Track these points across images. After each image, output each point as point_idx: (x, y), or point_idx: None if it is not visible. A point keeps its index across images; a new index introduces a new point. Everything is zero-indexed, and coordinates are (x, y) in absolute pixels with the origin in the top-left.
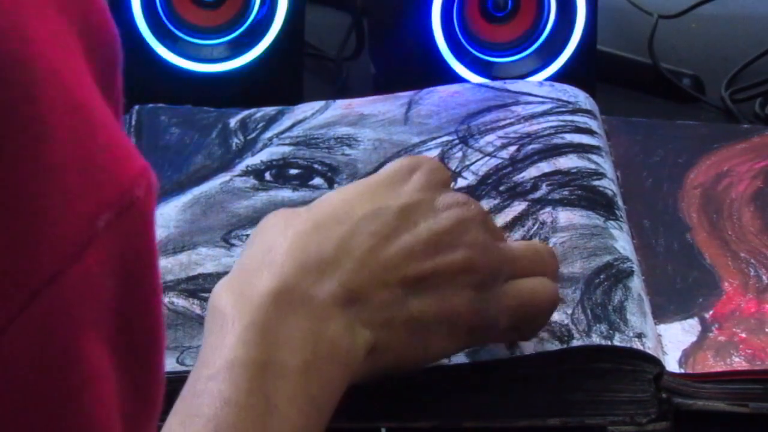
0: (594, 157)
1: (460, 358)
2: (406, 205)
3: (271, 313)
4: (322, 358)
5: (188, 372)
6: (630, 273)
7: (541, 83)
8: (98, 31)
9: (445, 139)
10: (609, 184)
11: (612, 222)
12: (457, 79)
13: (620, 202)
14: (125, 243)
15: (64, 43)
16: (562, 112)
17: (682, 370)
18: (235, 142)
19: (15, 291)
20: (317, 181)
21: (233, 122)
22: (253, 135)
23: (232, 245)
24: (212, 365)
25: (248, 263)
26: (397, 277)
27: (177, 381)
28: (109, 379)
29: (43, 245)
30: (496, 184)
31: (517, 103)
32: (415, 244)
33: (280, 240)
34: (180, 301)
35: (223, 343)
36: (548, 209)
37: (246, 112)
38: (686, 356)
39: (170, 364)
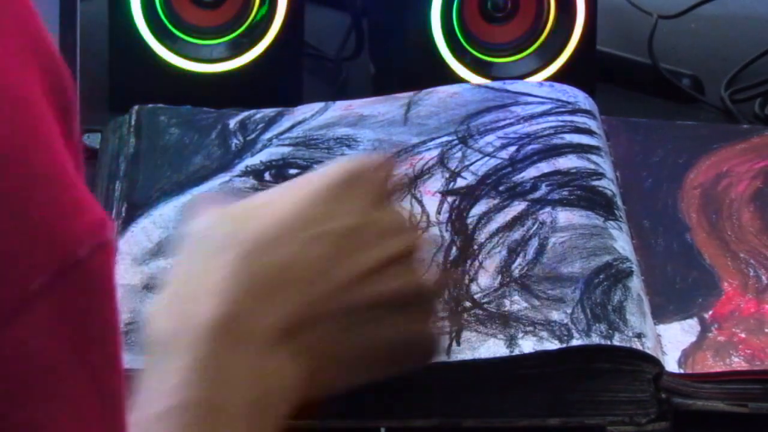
0: (593, 157)
1: (460, 355)
2: (352, 228)
3: (214, 348)
4: (267, 395)
5: None
6: (629, 273)
7: (540, 84)
8: (58, 73)
9: (444, 139)
10: (608, 185)
11: (611, 222)
12: (457, 79)
13: (620, 203)
14: (69, 304)
15: (28, 80)
16: (562, 113)
17: (682, 370)
18: (235, 142)
19: None
20: None
21: (233, 123)
22: (253, 136)
23: None
24: (158, 403)
25: (185, 284)
26: (341, 306)
27: None
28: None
29: None
30: (496, 184)
31: (516, 103)
32: (359, 272)
33: (220, 261)
34: None
35: (168, 381)
36: (548, 209)
37: (245, 113)
38: (686, 356)
39: None
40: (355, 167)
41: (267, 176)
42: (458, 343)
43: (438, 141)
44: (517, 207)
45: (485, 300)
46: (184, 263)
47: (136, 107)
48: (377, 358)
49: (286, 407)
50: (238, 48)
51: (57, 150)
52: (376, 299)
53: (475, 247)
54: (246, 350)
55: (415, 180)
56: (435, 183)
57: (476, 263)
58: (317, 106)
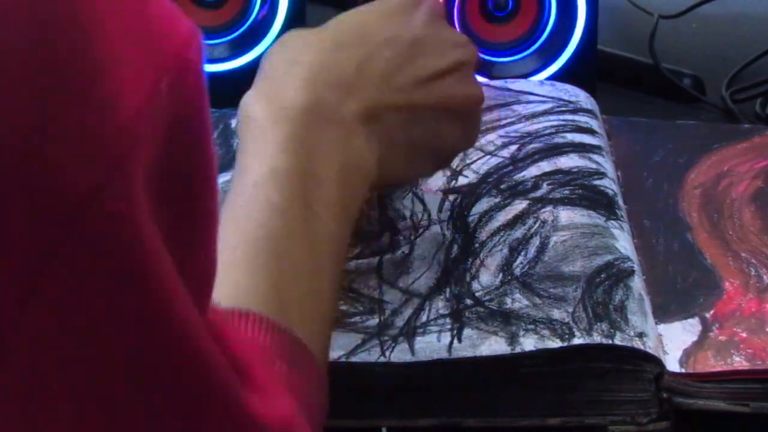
0: (595, 156)
1: (461, 353)
2: (416, 38)
3: (305, 125)
4: (350, 169)
5: None
6: (631, 272)
7: (542, 82)
8: None
9: None
10: (610, 184)
11: (613, 221)
12: None
13: (621, 202)
14: (180, 104)
15: None
16: (563, 112)
17: (683, 370)
18: (236, 142)
19: (105, 154)
20: None
21: (234, 123)
22: None
23: None
24: (256, 172)
25: (272, 74)
26: (406, 103)
27: None
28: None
29: (120, 114)
30: (497, 182)
31: (518, 102)
32: (423, 76)
33: (304, 55)
34: None
35: (265, 151)
36: (549, 208)
37: None
38: (687, 356)
39: None
40: None
41: None
42: (459, 341)
43: None
44: (519, 206)
45: (487, 298)
46: (274, 58)
47: None
48: (428, 155)
49: (365, 181)
50: (239, 48)
51: None
52: (434, 102)
53: (477, 245)
54: (332, 128)
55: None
56: (436, 181)
57: (478, 261)
58: None
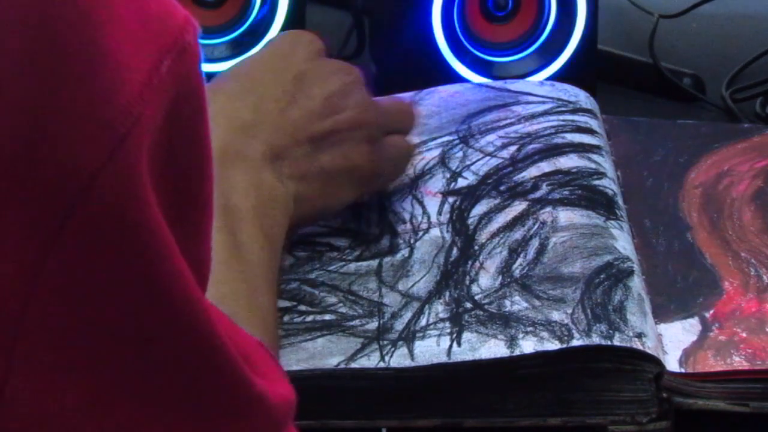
0: (594, 156)
1: (461, 356)
2: (300, 72)
3: (219, 166)
4: (265, 202)
5: None
6: (630, 272)
7: (541, 83)
8: None
9: (445, 138)
10: (609, 184)
11: (612, 221)
12: (458, 78)
13: (621, 202)
14: (180, 85)
15: None
16: (563, 112)
17: (683, 370)
18: None
19: (107, 133)
20: None
21: None
22: None
23: None
24: None
25: None
26: (305, 135)
27: None
28: (162, 222)
29: (121, 93)
30: (497, 183)
31: (517, 102)
32: (313, 106)
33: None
34: None
35: None
36: (549, 209)
37: None
38: (687, 356)
39: None
40: (291, 34)
41: None
42: (459, 345)
43: (439, 140)
44: (518, 207)
45: (486, 301)
46: None
47: None
48: (344, 179)
49: (284, 214)
50: (239, 48)
51: None
52: (330, 127)
53: (476, 247)
54: (243, 169)
55: (416, 180)
56: (436, 183)
57: (477, 264)
58: None
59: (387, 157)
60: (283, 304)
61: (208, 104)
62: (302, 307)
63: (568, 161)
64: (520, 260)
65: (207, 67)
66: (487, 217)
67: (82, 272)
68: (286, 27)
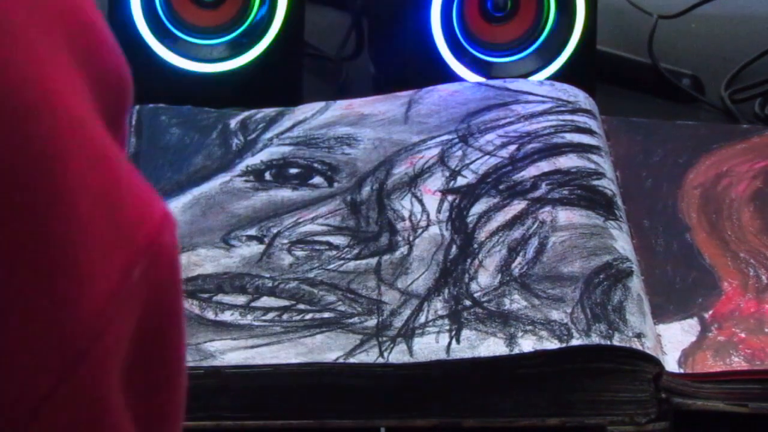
0: (594, 156)
1: (460, 354)
2: None
3: None
4: None
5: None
6: (629, 273)
7: (541, 82)
8: (106, 71)
9: (445, 137)
10: (608, 184)
11: (611, 222)
12: (457, 79)
13: (620, 202)
14: (153, 292)
15: (77, 87)
16: (562, 112)
17: (682, 370)
18: (236, 142)
19: (60, 353)
20: (317, 180)
21: (233, 123)
22: (254, 135)
23: (232, 246)
24: None
25: None
26: None
27: None
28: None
29: (84, 305)
30: (496, 182)
31: (517, 102)
32: None
33: None
34: None
35: None
36: (548, 208)
37: (246, 113)
38: (685, 356)
39: None
40: None
41: (267, 176)
42: (458, 342)
43: (438, 139)
44: (517, 206)
45: (485, 299)
46: None
47: (136, 107)
48: None
49: None
50: (238, 48)
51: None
52: None
53: (475, 245)
54: None
55: (416, 179)
56: (435, 182)
57: (476, 262)
58: (318, 105)
59: None
60: (283, 303)
61: None
62: (301, 306)
63: (568, 161)
64: (519, 259)
65: (205, 68)
66: (487, 215)
67: None
68: (285, 27)
